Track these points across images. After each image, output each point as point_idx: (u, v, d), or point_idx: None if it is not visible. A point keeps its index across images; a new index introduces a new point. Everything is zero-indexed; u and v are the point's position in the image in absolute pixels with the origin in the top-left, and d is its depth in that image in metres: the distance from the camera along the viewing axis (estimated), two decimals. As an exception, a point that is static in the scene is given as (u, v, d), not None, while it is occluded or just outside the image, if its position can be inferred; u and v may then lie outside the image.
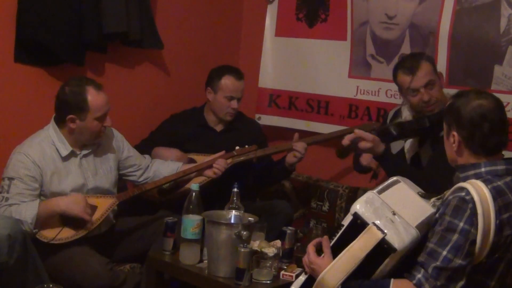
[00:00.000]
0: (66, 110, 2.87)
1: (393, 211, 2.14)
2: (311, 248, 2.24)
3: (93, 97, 2.86)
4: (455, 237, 1.99)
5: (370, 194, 2.19)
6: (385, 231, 2.08)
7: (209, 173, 3.20)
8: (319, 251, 2.23)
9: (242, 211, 2.82)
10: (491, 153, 2.13)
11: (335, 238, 2.22)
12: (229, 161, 3.26)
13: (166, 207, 3.34)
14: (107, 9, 3.34)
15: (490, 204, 2.00)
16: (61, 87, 2.92)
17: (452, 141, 2.17)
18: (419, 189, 2.32)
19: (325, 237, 2.25)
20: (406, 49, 3.51)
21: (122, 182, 3.28)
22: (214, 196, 3.14)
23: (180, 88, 3.96)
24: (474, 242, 1.99)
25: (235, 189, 2.84)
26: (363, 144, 2.88)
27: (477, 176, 2.10)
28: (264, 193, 3.85)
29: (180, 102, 3.78)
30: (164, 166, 3.25)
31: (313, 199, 3.90)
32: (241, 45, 4.37)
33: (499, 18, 3.18)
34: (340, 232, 2.22)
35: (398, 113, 3.16)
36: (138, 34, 3.51)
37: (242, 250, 2.55)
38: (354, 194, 3.65)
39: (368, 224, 2.11)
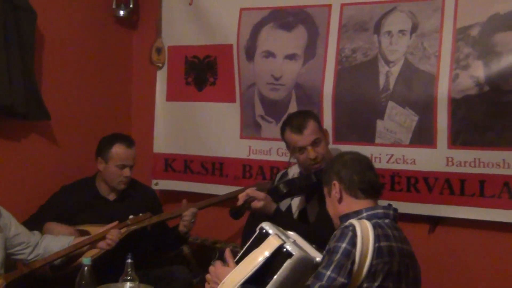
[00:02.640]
0: None
1: (294, 240, 2.31)
2: (217, 262, 2.38)
3: None
4: (337, 257, 2.15)
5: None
6: (285, 241, 2.23)
7: (102, 245, 3.11)
8: None
9: (137, 282, 2.74)
10: (369, 195, 2.37)
11: (242, 251, 2.34)
12: (123, 230, 3.19)
13: (60, 284, 3.21)
14: (-11, 82, 3.26)
15: (370, 230, 2.20)
16: None
17: (334, 192, 2.39)
18: (312, 244, 2.43)
19: (227, 249, 2.42)
20: (293, 108, 3.61)
21: (10, 261, 3.13)
22: (109, 268, 3.04)
23: (70, 158, 3.86)
24: (354, 262, 2.15)
25: (129, 260, 2.78)
26: (255, 204, 2.93)
27: (359, 219, 2.29)
28: (163, 260, 3.78)
29: (70, 173, 3.67)
30: (55, 241, 3.14)
31: (212, 262, 3.85)
32: (133, 112, 4.35)
33: (378, 75, 3.35)
34: (247, 245, 2.33)
35: (285, 175, 3.23)
36: (23, 106, 3.42)
37: (139, 322, 2.48)
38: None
39: (271, 234, 2.27)
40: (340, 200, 2.39)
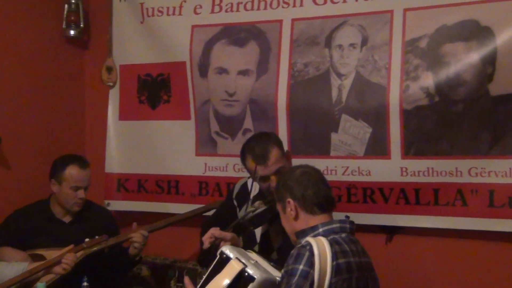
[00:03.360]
0: None
1: (256, 260, 2.32)
2: None
3: None
4: (295, 280, 2.15)
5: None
6: (247, 264, 2.24)
7: (58, 269, 3.05)
8: None
9: (95, 306, 2.70)
10: (324, 210, 2.36)
11: (204, 277, 2.35)
12: (79, 254, 3.13)
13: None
14: None
15: (327, 248, 2.19)
16: None
17: (289, 210, 2.37)
18: (270, 262, 2.43)
19: (186, 277, 2.43)
20: (248, 124, 3.62)
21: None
22: (66, 292, 3.00)
23: (22, 181, 3.80)
24: (313, 282, 2.14)
25: (85, 283, 2.75)
26: (224, 244, 2.72)
27: (316, 236, 2.28)
28: (121, 281, 3.72)
29: (23, 196, 3.60)
30: (9, 268, 3.05)
31: (172, 281, 3.83)
32: (86, 132, 4.30)
33: (330, 89, 3.38)
34: (208, 271, 2.34)
35: (245, 187, 3.16)
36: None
37: None
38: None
39: (231, 259, 2.28)
40: (296, 218, 2.37)
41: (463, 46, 3.08)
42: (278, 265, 2.48)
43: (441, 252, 3.33)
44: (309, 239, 2.22)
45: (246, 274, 2.21)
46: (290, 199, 2.37)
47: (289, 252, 2.35)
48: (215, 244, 2.75)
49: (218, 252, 2.34)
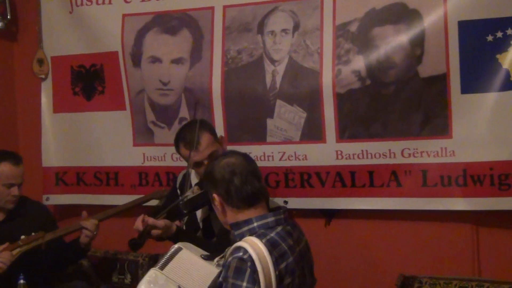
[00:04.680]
0: None
1: (179, 285, 2.17)
2: None
3: None
4: None
5: (153, 273, 2.20)
6: None
7: (-7, 268, 2.99)
8: None
9: (32, 304, 2.66)
10: (252, 204, 2.23)
11: None
12: (15, 252, 3.08)
13: None
14: None
15: (268, 258, 2.07)
16: None
17: (216, 204, 2.27)
18: (202, 252, 2.36)
19: None
20: (184, 112, 3.60)
21: None
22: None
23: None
24: None
25: (21, 281, 2.71)
26: (155, 232, 2.82)
27: (251, 232, 2.19)
28: (61, 276, 3.67)
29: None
30: None
31: (114, 274, 3.81)
32: (19, 126, 4.20)
33: (264, 75, 3.38)
34: None
35: (187, 176, 3.15)
36: None
37: None
38: (155, 262, 3.59)
39: None
40: (224, 212, 2.26)
41: (392, 29, 3.12)
42: (218, 247, 2.48)
43: (379, 233, 3.39)
44: (247, 247, 2.08)
45: None
46: (214, 195, 2.27)
47: (227, 236, 2.36)
48: (147, 231, 2.80)
49: None
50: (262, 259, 2.06)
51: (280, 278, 2.10)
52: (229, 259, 2.11)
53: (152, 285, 2.15)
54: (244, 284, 2.04)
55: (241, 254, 2.08)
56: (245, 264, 2.05)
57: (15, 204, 3.34)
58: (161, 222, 2.82)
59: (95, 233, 3.29)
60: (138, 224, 2.84)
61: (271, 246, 2.13)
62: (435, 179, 3.12)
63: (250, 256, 2.06)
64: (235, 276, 2.06)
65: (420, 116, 3.12)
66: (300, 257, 2.24)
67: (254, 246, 2.09)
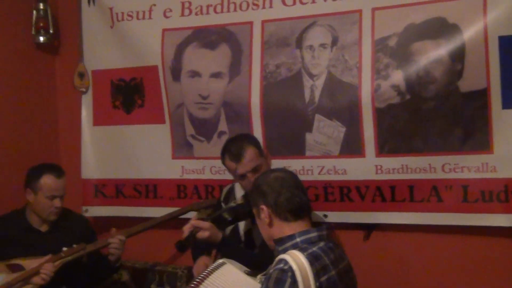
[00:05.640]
0: None
1: None
2: None
3: None
4: None
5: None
6: None
7: (37, 280, 3.04)
8: None
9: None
10: (299, 216, 2.30)
11: None
12: (57, 263, 3.13)
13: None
14: None
15: (308, 270, 2.11)
16: None
17: (263, 216, 2.33)
18: (245, 268, 2.38)
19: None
20: (223, 126, 3.62)
21: None
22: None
23: (-3, 191, 3.78)
24: None
25: (63, 292, 2.74)
26: (201, 234, 2.86)
27: (294, 247, 2.23)
28: (102, 287, 3.72)
29: (-2, 207, 3.59)
30: (-15, 282, 3.05)
31: (153, 285, 3.84)
32: (60, 139, 4.27)
33: (303, 89, 3.39)
34: None
35: (231, 190, 3.21)
36: None
37: None
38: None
39: None
40: (270, 224, 2.32)
41: (432, 43, 3.11)
42: (260, 258, 2.53)
43: (418, 247, 3.37)
44: (289, 259, 2.13)
45: None
46: (263, 206, 2.33)
47: (268, 248, 2.40)
48: (193, 233, 2.85)
49: None
50: (302, 270, 2.10)
51: None
52: (271, 271, 2.15)
53: None
54: None
55: (282, 265, 2.12)
56: (285, 274, 2.09)
57: (57, 216, 3.39)
58: (206, 224, 2.87)
59: (120, 249, 3.32)
60: (185, 228, 2.88)
61: (313, 258, 2.16)
62: (476, 194, 3.10)
63: (290, 267, 2.10)
64: (275, 286, 2.09)
65: (460, 131, 3.10)
66: (344, 273, 2.26)
67: (295, 258, 2.14)
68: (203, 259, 3.12)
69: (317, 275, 2.12)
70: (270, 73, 3.46)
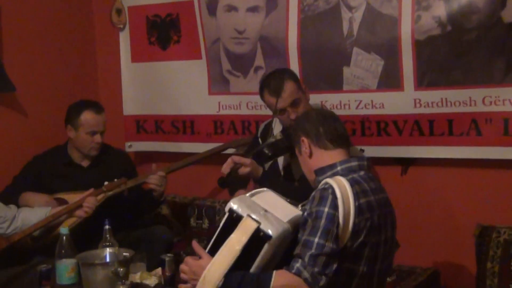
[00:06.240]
0: None
1: (265, 209, 2.24)
2: (187, 257, 2.29)
3: None
4: (322, 222, 2.10)
5: (242, 195, 2.32)
6: (260, 221, 2.17)
7: (80, 213, 3.14)
8: None
9: (117, 247, 2.77)
10: (339, 145, 2.34)
11: (214, 238, 2.27)
12: (99, 197, 3.22)
13: (42, 253, 3.22)
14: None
15: (348, 189, 2.16)
16: None
17: (304, 149, 2.37)
18: (286, 198, 2.41)
19: (193, 241, 2.36)
20: (259, 61, 3.61)
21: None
22: (89, 235, 3.06)
23: (39, 128, 3.85)
24: (339, 224, 2.11)
25: (107, 226, 2.80)
26: (242, 170, 2.90)
27: (334, 174, 2.26)
28: (142, 221, 3.80)
29: (41, 143, 3.65)
30: (32, 213, 3.13)
31: (192, 218, 3.92)
32: (99, 76, 4.32)
33: (341, 22, 3.33)
34: (218, 230, 2.27)
35: (268, 126, 3.18)
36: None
37: (121, 287, 2.51)
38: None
39: (243, 217, 2.20)
40: (310, 155, 2.35)
41: (475, -28, 3.01)
42: (299, 192, 2.55)
43: (456, 182, 3.34)
44: (329, 180, 2.18)
45: (262, 233, 2.14)
46: (303, 137, 2.36)
47: (308, 182, 2.43)
48: (235, 170, 2.90)
49: (227, 209, 2.25)
50: (342, 189, 2.15)
51: (359, 210, 2.15)
52: (313, 193, 2.20)
53: (241, 202, 2.25)
54: (326, 209, 2.12)
55: (323, 186, 2.19)
56: (326, 192, 2.15)
57: (98, 151, 3.45)
58: (247, 160, 2.91)
59: (160, 185, 3.36)
60: (225, 165, 2.91)
61: (354, 182, 2.21)
62: (517, 127, 3.04)
63: (331, 185, 2.16)
64: (319, 203, 2.14)
65: (502, 63, 3.01)
66: (383, 204, 2.27)
67: (336, 180, 2.19)
68: (240, 193, 3.15)
69: (356, 195, 2.16)
70: (307, 6, 3.40)
